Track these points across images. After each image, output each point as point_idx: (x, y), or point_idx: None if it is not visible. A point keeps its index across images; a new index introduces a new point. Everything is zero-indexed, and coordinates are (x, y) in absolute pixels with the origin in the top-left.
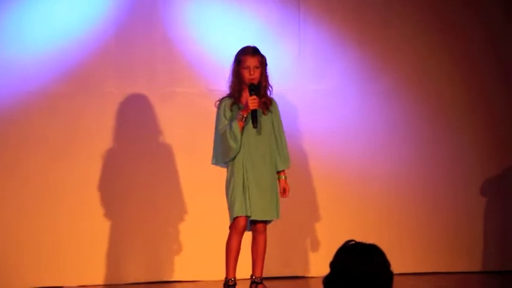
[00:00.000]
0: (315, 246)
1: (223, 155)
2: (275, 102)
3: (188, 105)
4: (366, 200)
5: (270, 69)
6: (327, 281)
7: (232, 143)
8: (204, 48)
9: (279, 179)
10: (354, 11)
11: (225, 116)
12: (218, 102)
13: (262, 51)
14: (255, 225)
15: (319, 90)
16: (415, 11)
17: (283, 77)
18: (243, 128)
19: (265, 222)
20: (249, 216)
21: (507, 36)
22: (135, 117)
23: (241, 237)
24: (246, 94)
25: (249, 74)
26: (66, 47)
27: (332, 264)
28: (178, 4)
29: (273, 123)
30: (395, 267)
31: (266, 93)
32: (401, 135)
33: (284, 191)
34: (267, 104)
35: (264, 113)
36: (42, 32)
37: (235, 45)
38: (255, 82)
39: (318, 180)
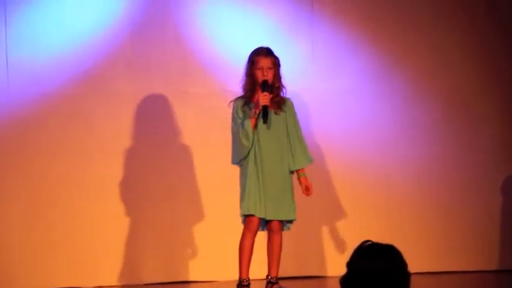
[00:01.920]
0: (331, 245)
1: (237, 153)
2: (290, 102)
3: (201, 105)
4: (382, 200)
5: (283, 69)
6: (344, 281)
7: (244, 141)
8: (216, 48)
9: (298, 177)
10: (367, 8)
11: (238, 116)
12: (232, 102)
13: (275, 51)
14: (269, 224)
15: (333, 89)
16: (430, 7)
17: (297, 76)
18: (255, 126)
19: (281, 221)
20: (260, 216)
21: None
22: (149, 118)
23: (255, 237)
24: (258, 94)
25: (263, 74)
26: (80, 48)
27: (349, 265)
28: (191, 5)
29: (286, 123)
30: (412, 266)
31: (279, 94)
32: (418, 133)
33: (307, 189)
34: (280, 103)
35: (276, 113)
36: (56, 33)
37: (248, 44)
38: (269, 82)
39: (333, 180)
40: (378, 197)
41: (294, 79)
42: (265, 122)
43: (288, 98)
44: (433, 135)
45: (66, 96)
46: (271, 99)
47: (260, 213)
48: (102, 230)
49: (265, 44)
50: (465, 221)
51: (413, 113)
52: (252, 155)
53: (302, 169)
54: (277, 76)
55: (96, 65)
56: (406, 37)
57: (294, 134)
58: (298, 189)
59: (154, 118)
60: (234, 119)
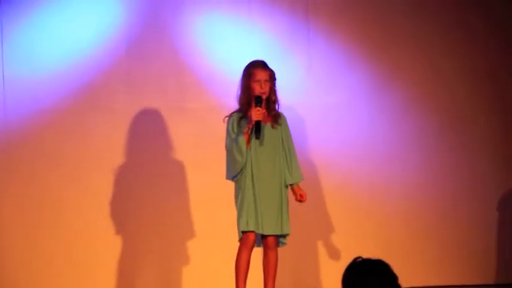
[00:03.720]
0: (327, 259)
1: (232, 169)
2: (284, 117)
3: (199, 120)
4: (378, 213)
5: (280, 83)
6: None
7: (238, 157)
8: (213, 64)
9: (292, 187)
10: (362, 22)
11: (233, 131)
12: (227, 117)
13: (272, 65)
14: (265, 240)
15: (330, 102)
16: (424, 18)
17: (294, 90)
18: (249, 141)
19: (276, 237)
20: (256, 231)
21: None
22: (146, 133)
23: (251, 253)
24: (251, 109)
25: (260, 87)
26: (76, 64)
27: (342, 282)
28: (188, 20)
29: (282, 138)
30: (407, 280)
31: (275, 108)
32: (414, 145)
33: (301, 196)
34: (276, 117)
35: (273, 127)
36: (52, 49)
37: (245, 59)
38: (265, 95)
39: (329, 194)
40: (374, 210)
41: (290, 93)
42: (257, 137)
43: (281, 113)
44: (429, 147)
45: (63, 112)
46: (269, 113)
47: (258, 229)
48: (99, 245)
49: (262, 58)
50: (462, 234)
51: (409, 126)
52: (248, 170)
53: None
54: (273, 90)
55: (92, 81)
56: (402, 50)
57: (290, 148)
58: (291, 204)
59: (151, 134)
60: (228, 134)
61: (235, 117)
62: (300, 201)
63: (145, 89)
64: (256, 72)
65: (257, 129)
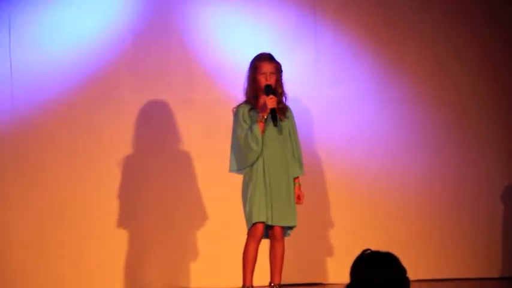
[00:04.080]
0: (333, 252)
1: (244, 159)
2: (290, 110)
3: (206, 112)
4: (383, 206)
5: (287, 75)
6: None
7: (253, 145)
8: (220, 56)
9: (293, 187)
10: (370, 16)
11: (244, 121)
12: (235, 109)
13: (279, 58)
14: (272, 231)
15: (337, 95)
16: (431, 14)
17: (301, 83)
18: (264, 130)
19: (283, 228)
20: (266, 222)
21: None
22: (153, 125)
23: (259, 244)
24: (262, 99)
25: (266, 79)
26: (84, 55)
27: (351, 274)
28: (195, 12)
29: (289, 131)
30: (414, 273)
31: (282, 100)
32: (420, 140)
33: (299, 198)
34: (284, 110)
35: (281, 120)
36: (59, 41)
37: (252, 52)
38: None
39: (334, 186)
40: (378, 203)
41: (297, 86)
42: (275, 124)
43: (288, 106)
44: (434, 142)
45: (70, 104)
46: (276, 106)
47: (268, 220)
48: (107, 237)
49: (269, 51)
50: (466, 228)
51: (415, 120)
52: (260, 161)
53: (297, 178)
54: (279, 82)
55: (100, 72)
56: (408, 44)
57: (296, 142)
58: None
59: (158, 126)
60: (239, 125)
61: (245, 109)
62: (297, 203)
63: (153, 81)
64: (262, 64)
65: (273, 116)
